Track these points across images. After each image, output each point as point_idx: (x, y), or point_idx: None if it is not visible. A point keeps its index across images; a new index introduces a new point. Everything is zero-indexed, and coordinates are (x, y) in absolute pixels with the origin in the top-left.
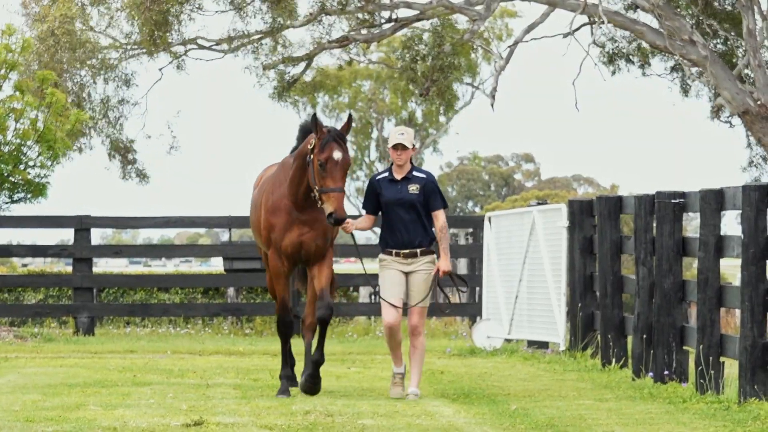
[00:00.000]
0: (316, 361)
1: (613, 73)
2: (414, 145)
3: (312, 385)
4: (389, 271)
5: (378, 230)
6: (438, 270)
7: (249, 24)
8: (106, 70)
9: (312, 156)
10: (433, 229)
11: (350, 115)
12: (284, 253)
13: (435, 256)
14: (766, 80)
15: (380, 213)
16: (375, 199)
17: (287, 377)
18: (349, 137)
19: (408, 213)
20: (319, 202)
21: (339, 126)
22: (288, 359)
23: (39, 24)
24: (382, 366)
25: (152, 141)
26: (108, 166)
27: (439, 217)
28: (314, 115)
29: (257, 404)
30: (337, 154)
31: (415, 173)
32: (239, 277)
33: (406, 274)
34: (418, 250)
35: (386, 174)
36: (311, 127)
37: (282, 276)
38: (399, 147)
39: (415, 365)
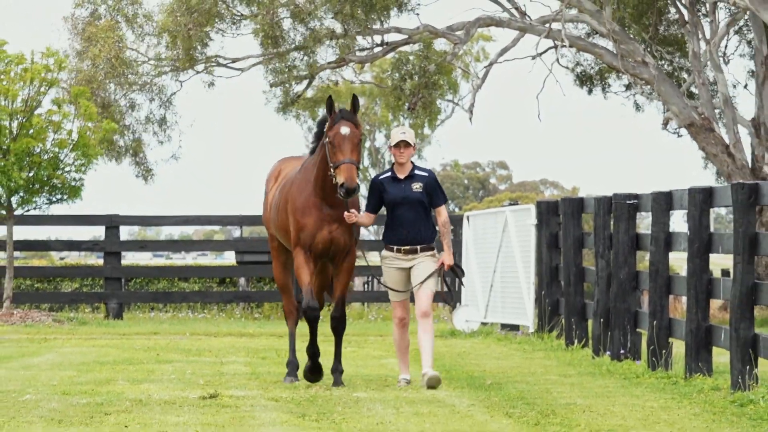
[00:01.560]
0: (340, 372)
1: (590, 92)
2: (414, 144)
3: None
4: (391, 270)
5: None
6: (442, 264)
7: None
8: (150, 91)
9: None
10: (437, 227)
11: (354, 96)
12: (315, 251)
13: (435, 251)
14: (708, 96)
15: (381, 211)
16: (377, 198)
17: (312, 368)
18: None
19: (412, 211)
20: (334, 179)
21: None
22: (314, 349)
23: (87, 43)
24: (374, 346)
25: (164, 146)
26: (133, 170)
27: (442, 212)
28: (329, 96)
29: (265, 379)
30: (344, 130)
31: (417, 172)
32: (249, 268)
33: (408, 269)
34: (419, 247)
35: (388, 174)
36: (327, 110)
37: (308, 270)
38: (402, 144)
39: (426, 348)
